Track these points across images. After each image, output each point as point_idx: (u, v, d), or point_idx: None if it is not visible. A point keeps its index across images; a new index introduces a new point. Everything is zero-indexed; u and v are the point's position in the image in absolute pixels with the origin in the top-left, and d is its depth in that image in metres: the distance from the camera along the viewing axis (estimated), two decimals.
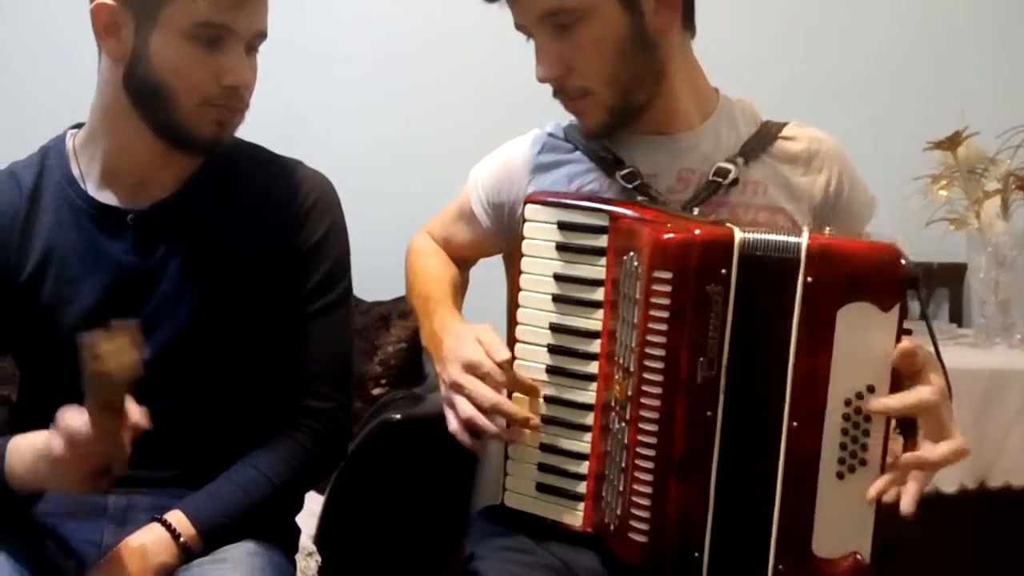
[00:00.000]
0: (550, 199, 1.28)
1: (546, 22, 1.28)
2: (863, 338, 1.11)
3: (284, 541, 1.36)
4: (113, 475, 1.14)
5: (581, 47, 1.27)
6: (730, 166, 1.31)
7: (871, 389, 1.11)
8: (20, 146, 1.43)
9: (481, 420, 1.19)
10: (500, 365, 1.20)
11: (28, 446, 1.19)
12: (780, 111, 1.45)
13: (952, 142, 2.06)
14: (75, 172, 1.35)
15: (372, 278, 1.92)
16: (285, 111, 2.38)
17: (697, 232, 1.13)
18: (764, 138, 1.37)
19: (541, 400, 1.24)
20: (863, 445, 1.12)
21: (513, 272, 1.37)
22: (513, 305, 1.29)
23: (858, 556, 1.12)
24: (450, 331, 1.29)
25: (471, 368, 1.21)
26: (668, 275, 1.12)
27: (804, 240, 1.12)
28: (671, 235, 1.13)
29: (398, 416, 1.80)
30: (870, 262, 1.12)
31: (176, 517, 1.24)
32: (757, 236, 1.14)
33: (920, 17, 2.33)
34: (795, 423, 1.12)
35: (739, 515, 1.15)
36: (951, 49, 2.32)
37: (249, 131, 1.41)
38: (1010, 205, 2.06)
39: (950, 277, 2.46)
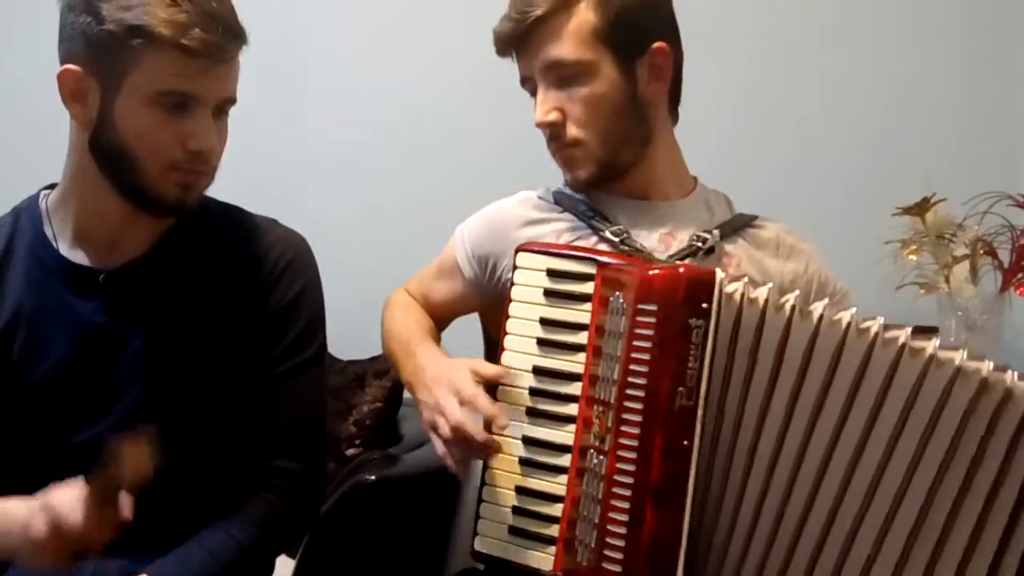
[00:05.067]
0: (541, 247, 1.33)
1: (550, 73, 1.39)
2: None
3: None
4: (84, 558, 1.13)
5: (578, 99, 1.38)
6: (707, 235, 1.39)
7: None
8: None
9: (460, 445, 1.22)
10: (495, 380, 1.24)
11: (2, 513, 1.17)
12: (751, 180, 1.51)
13: (920, 208, 2.09)
14: (48, 232, 1.35)
15: (347, 337, 1.92)
16: (261, 171, 2.38)
17: (682, 270, 1.19)
18: (738, 223, 1.46)
19: (520, 442, 1.25)
20: None
21: (490, 328, 1.39)
22: (496, 356, 1.31)
23: None
24: (436, 362, 1.33)
25: (454, 392, 1.24)
26: (654, 307, 1.16)
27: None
28: (657, 271, 1.19)
29: (372, 477, 1.78)
30: None
31: None
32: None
33: (887, 84, 2.39)
34: None
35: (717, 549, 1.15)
36: (918, 117, 2.36)
37: (224, 190, 1.41)
38: (979, 270, 2.09)
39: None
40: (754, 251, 1.43)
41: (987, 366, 1.11)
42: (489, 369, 1.27)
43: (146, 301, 1.32)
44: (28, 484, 1.15)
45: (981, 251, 2.08)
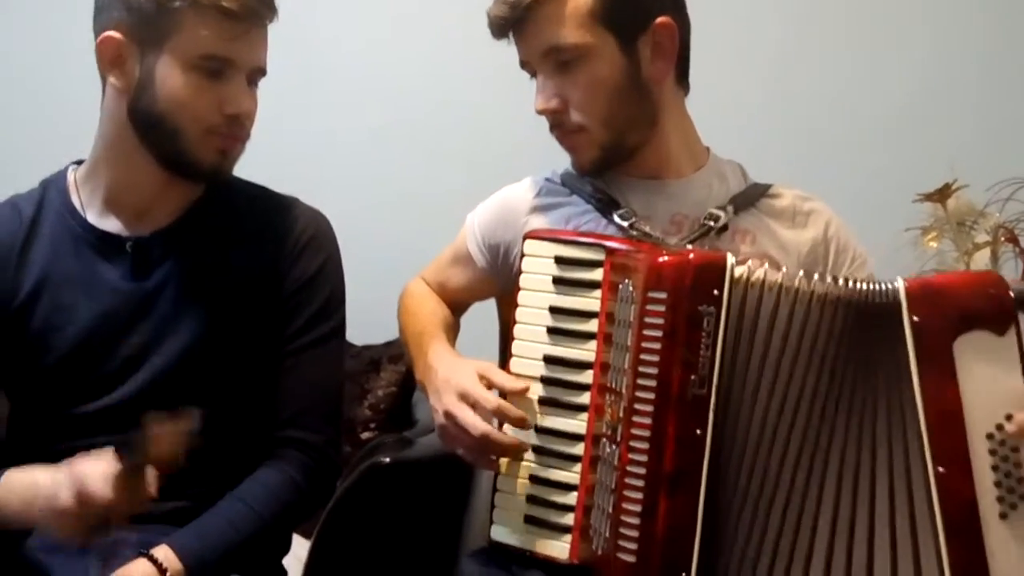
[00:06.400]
0: (548, 235, 1.31)
1: (548, 59, 1.34)
2: (987, 369, 1.11)
3: None
4: (108, 532, 1.14)
5: (579, 84, 1.34)
6: (720, 212, 1.36)
7: (1009, 418, 1.10)
8: (21, 183, 1.45)
9: (474, 448, 1.22)
10: (515, 394, 1.23)
11: (26, 483, 1.19)
12: (771, 163, 1.48)
13: (942, 194, 2.08)
14: (75, 202, 1.37)
15: (363, 322, 1.92)
16: (279, 157, 2.38)
17: (691, 256, 1.17)
18: (752, 194, 1.42)
19: (532, 430, 1.25)
20: (1020, 478, 1.10)
21: (506, 314, 1.39)
22: (507, 344, 1.30)
23: None
24: (445, 363, 1.31)
25: (464, 397, 1.23)
26: (663, 295, 1.15)
27: (900, 283, 1.14)
28: (666, 258, 1.17)
29: (387, 459, 1.78)
30: (975, 291, 1.12)
31: (163, 552, 1.23)
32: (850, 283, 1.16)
33: (908, 72, 2.36)
34: (941, 468, 1.10)
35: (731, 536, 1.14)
36: (940, 103, 2.35)
37: (247, 172, 1.43)
38: (999, 257, 2.07)
39: None
40: (770, 223, 1.40)
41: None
42: (498, 376, 1.26)
43: (171, 269, 1.34)
44: (50, 451, 1.17)
45: (1002, 238, 2.06)
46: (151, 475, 1.11)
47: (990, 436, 1.10)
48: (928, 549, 1.11)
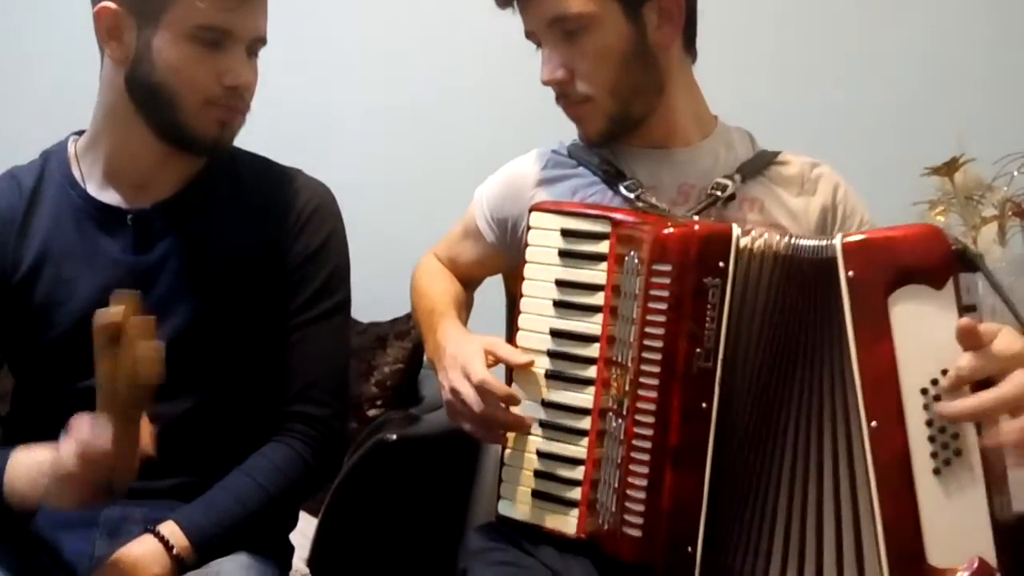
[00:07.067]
0: (554, 207, 1.30)
1: (554, 28, 1.33)
2: (923, 323, 1.07)
3: (278, 555, 1.35)
4: (114, 494, 1.13)
5: (585, 54, 1.32)
6: (727, 182, 1.35)
7: (944, 373, 1.06)
8: (21, 154, 1.44)
9: (480, 424, 1.22)
10: (520, 367, 1.23)
11: (30, 461, 1.18)
12: (779, 138, 1.47)
13: (949, 168, 2.06)
14: (76, 174, 1.36)
15: (369, 299, 1.92)
16: (284, 132, 2.38)
17: (696, 227, 1.16)
18: (760, 162, 1.41)
19: (539, 405, 1.24)
20: (954, 434, 1.07)
21: (513, 287, 1.38)
22: (514, 318, 1.30)
23: (981, 560, 1.05)
24: (453, 340, 1.30)
25: (468, 376, 1.22)
26: (668, 267, 1.14)
27: (837, 239, 1.12)
28: (671, 230, 1.16)
29: (394, 436, 1.79)
30: (913, 244, 1.09)
31: (169, 528, 1.23)
32: (787, 239, 1.14)
33: (916, 46, 2.35)
34: (874, 423, 1.08)
35: (737, 510, 1.13)
36: (947, 77, 2.33)
37: (251, 144, 1.42)
38: (1007, 231, 2.06)
39: None
40: (779, 191, 1.38)
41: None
42: (503, 350, 1.25)
43: (173, 242, 1.33)
44: (55, 426, 1.17)
45: (1010, 212, 2.04)
46: (145, 426, 1.09)
47: (924, 391, 1.07)
48: (866, 504, 1.09)
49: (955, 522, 1.06)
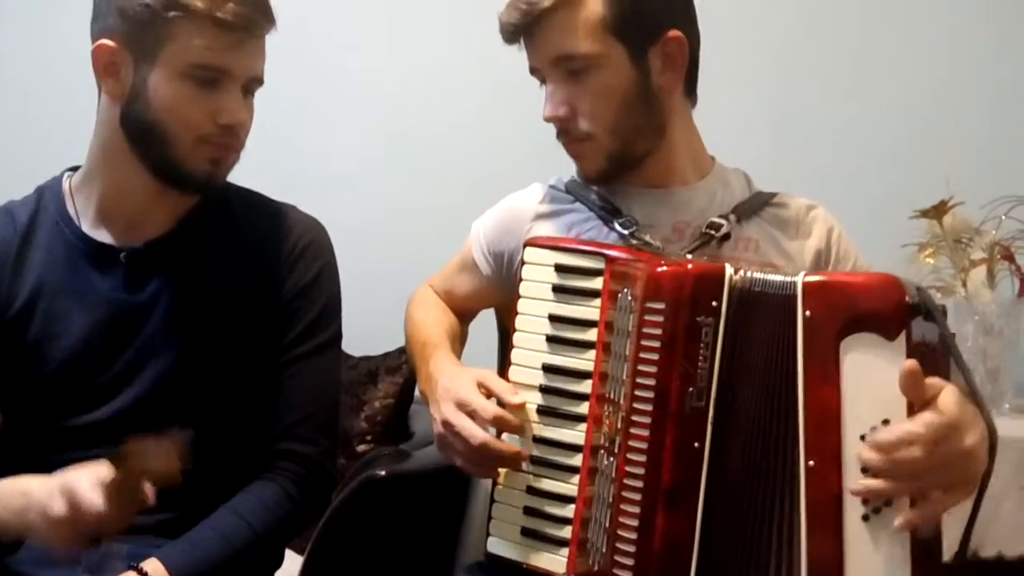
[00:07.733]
0: (548, 243, 1.31)
1: (559, 67, 1.35)
2: (871, 371, 1.08)
3: None
4: (100, 543, 1.13)
5: (588, 93, 1.34)
6: (723, 221, 1.36)
7: (886, 423, 1.08)
8: (16, 189, 1.45)
9: (472, 458, 1.21)
10: (513, 407, 1.22)
11: (19, 492, 1.17)
12: (772, 180, 1.48)
13: (938, 211, 2.08)
14: (70, 211, 1.36)
15: (361, 333, 1.92)
16: (281, 170, 2.39)
17: (690, 266, 1.16)
18: (756, 202, 1.42)
19: (530, 440, 1.24)
20: None
21: (506, 321, 1.38)
22: (506, 352, 1.30)
23: None
24: (446, 373, 1.30)
25: (463, 406, 1.22)
26: (661, 305, 1.14)
27: (800, 277, 1.13)
28: (664, 268, 1.16)
29: (383, 472, 1.77)
30: (869, 292, 1.10)
31: (152, 566, 1.22)
32: (753, 275, 1.15)
33: (907, 90, 2.37)
34: (811, 462, 1.09)
35: (728, 551, 1.12)
36: (937, 120, 2.35)
37: (245, 180, 1.43)
38: (996, 274, 2.07)
39: None
40: (774, 232, 1.39)
41: None
42: (496, 384, 1.25)
43: (165, 280, 1.33)
44: (43, 463, 1.16)
45: (998, 256, 2.06)
46: (147, 488, 1.10)
47: (863, 438, 1.07)
48: (798, 538, 1.09)
49: (877, 571, 1.07)
